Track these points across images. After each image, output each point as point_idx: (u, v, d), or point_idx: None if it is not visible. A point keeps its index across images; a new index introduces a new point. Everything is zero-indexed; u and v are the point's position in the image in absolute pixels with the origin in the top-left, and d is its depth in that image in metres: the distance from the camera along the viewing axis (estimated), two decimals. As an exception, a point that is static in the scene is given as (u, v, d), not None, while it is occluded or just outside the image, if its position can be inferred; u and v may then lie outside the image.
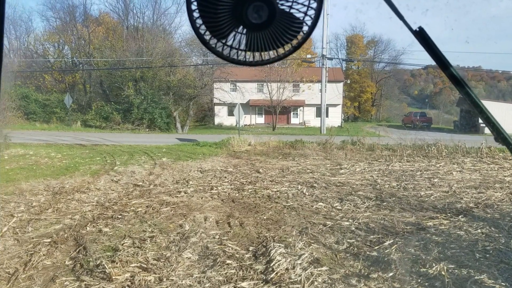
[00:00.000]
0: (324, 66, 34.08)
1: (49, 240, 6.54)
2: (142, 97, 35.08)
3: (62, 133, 28.24)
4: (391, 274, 5.26)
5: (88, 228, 7.21)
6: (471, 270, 5.35)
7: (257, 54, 1.02)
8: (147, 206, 8.65)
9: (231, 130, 31.47)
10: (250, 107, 47.15)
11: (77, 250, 6.15)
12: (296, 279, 5.05)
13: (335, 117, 47.28)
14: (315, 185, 11.13)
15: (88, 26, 47.56)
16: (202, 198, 9.55)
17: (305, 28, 0.99)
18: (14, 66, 41.63)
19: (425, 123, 46.89)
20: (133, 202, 9.03)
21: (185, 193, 10.01)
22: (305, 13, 0.97)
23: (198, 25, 0.97)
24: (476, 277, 5.11)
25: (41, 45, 48.65)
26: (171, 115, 36.53)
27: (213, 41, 1.00)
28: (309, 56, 48.14)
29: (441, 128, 47.48)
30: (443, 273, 5.20)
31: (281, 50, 1.03)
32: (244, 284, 4.96)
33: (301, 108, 48.58)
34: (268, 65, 39.48)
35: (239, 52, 1.02)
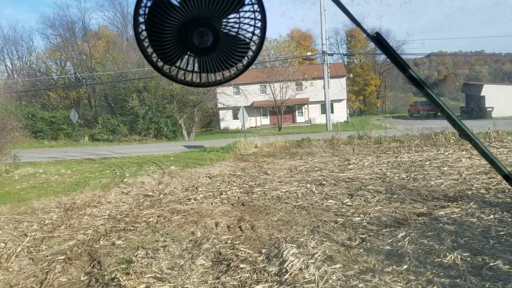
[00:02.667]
0: (326, 62, 34.01)
1: (63, 257, 6.60)
2: (147, 107, 35.28)
3: (70, 149, 28.46)
4: (405, 266, 5.24)
5: (101, 242, 7.26)
6: (486, 257, 5.31)
7: (203, 75, 1.07)
8: (158, 216, 8.69)
9: (237, 133, 31.52)
10: (254, 109, 47.15)
11: (92, 264, 6.20)
12: (310, 279, 5.04)
13: (340, 112, 47.13)
14: (324, 182, 11.11)
15: (88, 41, 48.02)
16: (212, 204, 9.58)
17: (250, 53, 1.04)
18: (18, 86, 42.05)
19: (431, 111, 46.51)
20: (144, 212, 9.09)
21: (195, 200, 10.05)
22: (253, 33, 1.02)
23: (149, 53, 1.01)
24: (491, 264, 5.08)
25: (43, 63, 49.20)
26: (176, 123, 36.68)
27: (166, 67, 1.05)
28: (309, 53, 48.09)
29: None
30: (457, 261, 5.17)
31: (226, 73, 1.07)
32: (258, 287, 4.97)
33: (306, 106, 48.49)
34: (270, 65, 39.58)
35: (187, 74, 1.07)
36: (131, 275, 5.54)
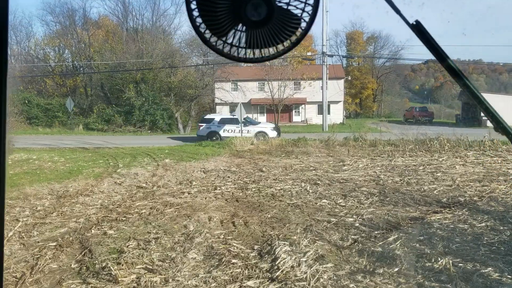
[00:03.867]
0: (325, 63, 34.05)
1: (54, 243, 6.56)
2: (143, 99, 35.14)
3: (64, 137, 28.33)
4: (396, 269, 5.26)
5: (93, 231, 7.23)
6: (477, 264, 5.35)
7: (256, 51, 1.03)
8: (151, 208, 8.66)
9: (233, 129, 31.45)
10: (251, 106, 47.10)
11: (83, 253, 6.17)
12: (301, 277, 5.05)
13: (337, 114, 47.21)
14: (318, 182, 11.13)
15: (88, 30, 47.69)
16: (205, 198, 9.57)
17: (303, 25, 1.00)
18: (15, 72, 41.75)
19: (426, 117, 46.79)
20: (137, 204, 9.05)
21: (188, 193, 10.03)
22: (303, 10, 0.98)
23: (198, 24, 0.98)
24: (482, 271, 5.11)
25: (41, 49, 48.78)
26: (172, 116, 36.57)
27: (213, 39, 1.01)
28: (309, 53, 48.10)
29: (443, 122, 47.38)
30: (448, 267, 5.19)
31: (280, 47, 1.03)
32: (250, 283, 4.97)
33: (303, 105, 48.53)
34: (269, 63, 39.57)
35: (239, 49, 1.03)
36: (122, 265, 5.52)
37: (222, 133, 23.59)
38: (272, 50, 1.04)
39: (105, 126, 35.28)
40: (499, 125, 1.11)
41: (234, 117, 24.59)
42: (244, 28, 1.00)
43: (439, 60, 1.04)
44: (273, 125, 25.74)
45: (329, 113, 38.66)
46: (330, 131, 23.45)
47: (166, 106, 35.95)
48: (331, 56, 39.52)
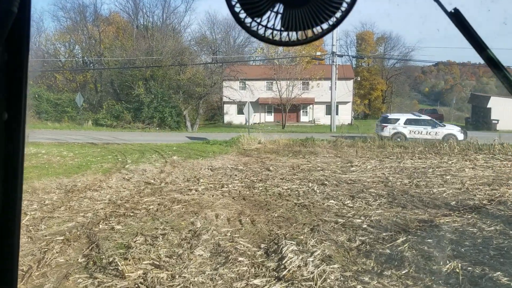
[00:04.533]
0: (334, 64, 33.93)
1: (62, 237, 6.59)
2: (152, 96, 35.21)
3: (73, 132, 28.49)
4: (404, 271, 5.22)
5: (100, 225, 7.25)
6: (486, 268, 5.29)
7: (293, 34, 0.97)
8: (158, 204, 8.68)
9: (241, 128, 31.49)
10: (259, 105, 47.06)
11: (90, 247, 6.19)
12: (308, 276, 5.03)
13: (345, 115, 47.00)
14: (326, 182, 11.09)
15: (99, 26, 47.86)
16: (213, 196, 9.57)
17: (344, 5, 0.95)
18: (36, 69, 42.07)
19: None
20: (145, 200, 9.07)
21: (196, 191, 10.03)
22: None
23: (233, 3, 0.93)
24: (491, 275, 5.05)
25: (52, 45, 49.04)
26: (181, 113, 36.62)
27: (248, 20, 0.96)
28: (319, 53, 47.95)
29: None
30: (457, 270, 5.14)
31: (319, 29, 0.97)
32: (256, 281, 4.96)
33: (311, 106, 48.39)
34: (277, 62, 39.46)
35: (275, 32, 0.97)
36: (129, 261, 5.53)
37: (408, 134, 21.74)
38: (310, 33, 0.97)
39: (114, 122, 35.39)
40: None
41: (421, 117, 23.53)
42: (281, 8, 0.95)
43: (478, 50, 1.00)
44: (460, 128, 24.06)
45: (337, 113, 38.50)
46: (339, 132, 23.37)
47: (175, 103, 35.98)
48: (341, 56, 39.38)
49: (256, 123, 44.66)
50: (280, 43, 0.99)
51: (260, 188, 10.45)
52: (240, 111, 43.77)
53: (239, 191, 10.14)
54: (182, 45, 42.46)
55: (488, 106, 39.28)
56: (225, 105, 48.30)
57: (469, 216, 7.75)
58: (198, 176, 11.96)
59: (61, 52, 49.09)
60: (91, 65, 48.14)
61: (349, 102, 49.07)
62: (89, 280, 5.09)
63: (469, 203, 8.90)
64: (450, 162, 14.72)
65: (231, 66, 40.87)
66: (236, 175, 12.22)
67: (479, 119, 41.99)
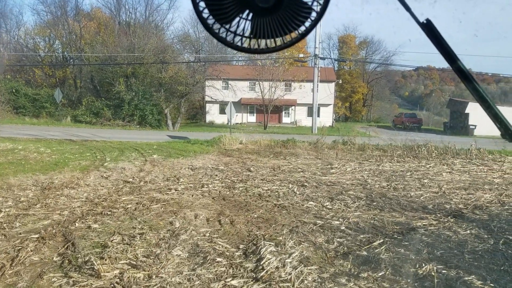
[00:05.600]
0: (317, 66, 34.14)
1: (37, 235, 6.45)
2: (133, 93, 34.85)
3: (51, 128, 27.99)
4: (381, 273, 5.27)
5: (77, 224, 7.13)
6: (460, 271, 5.38)
7: (262, 41, 0.97)
8: (137, 203, 8.59)
9: (223, 128, 31.43)
10: (241, 105, 47.09)
11: (66, 246, 6.08)
12: (286, 278, 5.03)
13: (326, 117, 47.37)
14: (306, 184, 11.14)
15: (80, 21, 47.25)
16: (192, 195, 9.51)
17: (313, 15, 0.94)
18: (4, 60, 41.17)
19: (415, 124, 47.19)
20: (123, 198, 8.97)
21: (175, 190, 9.96)
22: None
23: (201, 9, 0.92)
24: (465, 278, 5.14)
25: (31, 39, 48.20)
26: (162, 112, 36.34)
27: (216, 26, 0.95)
28: (301, 55, 48.19)
29: (431, 129, 47.82)
30: (432, 273, 5.22)
31: (287, 37, 0.97)
32: (234, 282, 4.94)
33: (293, 107, 48.65)
34: (260, 63, 39.52)
35: (244, 39, 0.97)
36: (105, 260, 5.45)
37: None
38: (279, 41, 0.97)
39: (93, 119, 34.89)
40: (508, 131, 1.09)
41: None
42: (250, 15, 0.94)
43: (449, 61, 1.01)
44: None
45: (318, 115, 38.75)
46: (319, 134, 23.51)
47: (156, 101, 35.69)
48: (323, 58, 39.69)
49: (238, 123, 44.64)
50: (248, 50, 0.99)
51: (240, 188, 10.44)
52: (222, 111, 43.69)
53: (219, 191, 10.10)
54: (165, 42, 42.16)
55: (466, 111, 40.08)
56: (207, 104, 48.17)
57: (445, 220, 7.87)
58: (178, 175, 11.88)
59: (41, 47, 48.28)
60: (71, 60, 47.43)
61: (330, 104, 49.47)
62: (63, 279, 4.99)
63: (445, 206, 9.05)
64: (428, 166, 14.96)
65: (214, 66, 40.77)
66: (216, 175, 12.18)
67: (457, 124, 42.84)
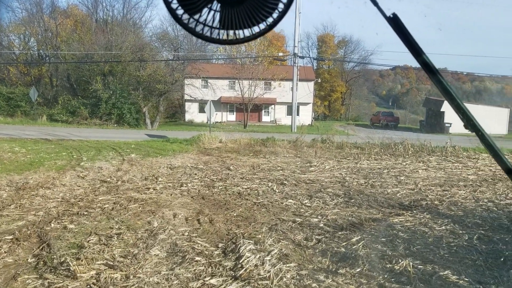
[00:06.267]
0: (296, 65, 34.28)
1: (11, 237, 6.31)
2: (111, 92, 34.36)
3: (27, 127, 27.39)
4: (358, 270, 5.33)
5: (52, 224, 7.00)
6: (436, 266, 5.48)
7: (231, 32, 0.98)
8: (114, 203, 8.48)
9: (202, 127, 31.30)
10: (221, 104, 46.92)
11: (41, 247, 5.97)
12: (265, 275, 5.05)
13: (305, 116, 47.60)
14: (285, 182, 11.18)
15: (56, 18, 46.25)
16: (171, 195, 9.44)
17: (281, 6, 0.95)
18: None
19: (392, 122, 47.85)
20: (100, 198, 8.84)
21: (154, 189, 9.87)
22: None
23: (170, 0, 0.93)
24: (440, 273, 5.24)
25: (5, 36, 46.94)
26: (140, 110, 35.94)
27: (185, 17, 0.96)
28: (281, 54, 48.32)
29: (407, 128, 48.58)
30: (409, 268, 5.30)
31: (256, 29, 0.99)
32: (212, 281, 4.93)
33: (273, 106, 48.71)
34: (239, 62, 39.48)
35: (213, 29, 0.98)
36: (82, 261, 5.37)
37: None
38: (247, 32, 0.99)
39: (70, 118, 34.23)
40: (469, 122, 1.13)
41: None
42: (218, 6, 0.95)
43: (415, 55, 1.04)
44: None
45: (298, 114, 38.91)
46: (299, 132, 23.62)
47: (134, 100, 35.26)
48: (302, 57, 39.88)
49: (218, 122, 44.50)
50: (217, 41, 1.01)
51: (219, 187, 10.41)
52: (201, 110, 43.49)
53: (199, 190, 10.06)
54: (143, 40, 41.64)
55: (442, 109, 40.82)
56: (186, 103, 47.85)
57: (421, 216, 8.01)
58: (156, 174, 11.78)
59: (15, 44, 47.09)
60: (47, 58, 46.45)
61: (309, 103, 49.71)
62: (38, 281, 4.90)
63: (421, 203, 9.21)
64: (404, 163, 15.19)
65: (193, 64, 40.52)
66: (196, 174, 12.12)
67: (433, 122, 43.58)
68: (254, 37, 1.00)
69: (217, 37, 0.99)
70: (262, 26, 0.99)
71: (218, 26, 0.98)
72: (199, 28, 0.98)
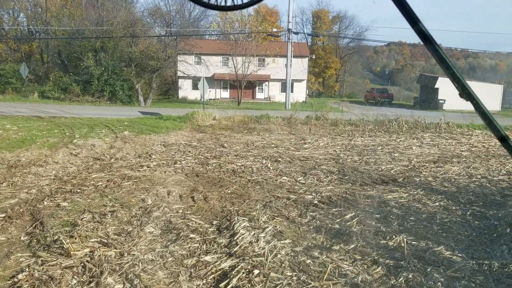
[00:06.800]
0: (290, 41, 33.91)
1: (3, 215, 6.26)
2: (103, 69, 33.90)
3: (18, 104, 27.06)
4: (352, 246, 5.34)
5: (45, 202, 6.94)
6: (430, 242, 5.51)
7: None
8: (107, 180, 8.42)
9: (196, 104, 31.07)
10: (215, 81, 46.59)
11: (34, 225, 5.92)
12: (259, 252, 5.05)
13: (300, 92, 47.46)
14: (279, 159, 11.16)
15: (45, -7, 45.19)
16: (165, 172, 9.39)
17: None
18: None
19: (386, 99, 47.84)
20: (93, 176, 8.77)
21: (147, 167, 9.81)
22: None
23: None
24: (434, 249, 5.27)
25: (-6, 11, 45.93)
26: (133, 87, 35.59)
27: None
28: (275, 29, 47.76)
29: (401, 104, 48.56)
30: (402, 244, 5.33)
31: None
32: (207, 257, 4.92)
33: (266, 83, 48.44)
34: (233, 37, 38.96)
35: None
36: (75, 239, 5.33)
37: None
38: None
39: (61, 95, 33.81)
40: (465, 90, 1.14)
41: None
42: None
43: (411, 23, 1.04)
44: None
45: (292, 91, 38.73)
46: (293, 109, 23.54)
47: (127, 77, 34.86)
48: (297, 33, 39.39)
49: (211, 99, 44.27)
50: (215, 7, 1.01)
51: (214, 164, 10.37)
52: (195, 86, 43.21)
53: (192, 167, 10.01)
54: (135, 16, 40.95)
55: (436, 86, 40.81)
56: (179, 80, 47.47)
57: (415, 192, 8.04)
58: (150, 152, 11.70)
59: (4, 20, 46.11)
60: (37, 34, 45.59)
61: (304, 80, 49.51)
62: (32, 259, 4.86)
63: (415, 179, 9.24)
64: (398, 140, 15.21)
65: (186, 40, 39.99)
66: (189, 151, 12.06)
67: (427, 98, 43.61)
68: (252, 3, 1.01)
69: (215, 3, 1.00)
70: None
71: None
72: None
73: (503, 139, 1.17)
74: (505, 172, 10.10)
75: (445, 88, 37.92)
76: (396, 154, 12.24)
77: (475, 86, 37.65)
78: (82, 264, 4.74)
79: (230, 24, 41.10)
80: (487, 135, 16.55)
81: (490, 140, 15.21)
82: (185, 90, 47.71)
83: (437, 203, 7.35)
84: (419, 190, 8.23)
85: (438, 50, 1.07)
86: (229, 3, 1.00)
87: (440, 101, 39.08)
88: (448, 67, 1.11)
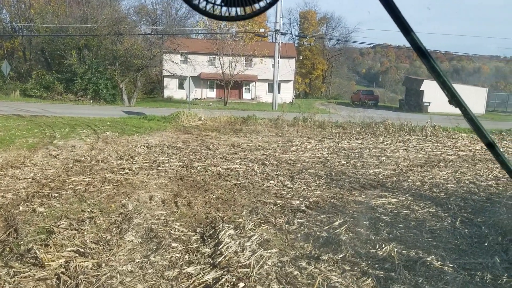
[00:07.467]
0: (278, 41, 33.73)
1: (-26, 221, 5.94)
2: (86, 67, 33.30)
3: (-2, 102, 26.39)
4: (341, 255, 5.16)
5: (21, 207, 6.62)
6: (420, 251, 5.35)
7: (233, 9, 1.05)
8: (87, 184, 8.10)
9: (181, 103, 30.68)
10: (201, 80, 46.20)
11: (7, 232, 5.61)
12: (245, 263, 4.82)
13: (287, 93, 47.35)
14: (266, 162, 10.94)
15: (28, -11, 44.31)
16: (147, 175, 9.10)
17: None
18: None
19: (372, 101, 47.99)
20: (72, 179, 8.45)
21: (129, 170, 9.50)
22: None
23: None
24: (424, 259, 5.10)
25: (-25, 7, 44.86)
26: (117, 86, 35.03)
27: None
28: (262, 30, 47.58)
29: (387, 106, 48.79)
30: (392, 254, 5.16)
31: (256, 6, 1.05)
32: (189, 269, 4.68)
33: (253, 83, 48.23)
34: (220, 37, 38.68)
35: (215, 6, 1.04)
36: (50, 247, 5.04)
37: None
38: (248, 9, 1.05)
39: (44, 93, 33.12)
40: (454, 98, 1.16)
41: None
42: None
43: (404, 33, 1.06)
44: None
45: (279, 92, 38.57)
46: (280, 110, 23.36)
47: (111, 75, 34.30)
48: (284, 34, 39.25)
49: (197, 98, 43.90)
50: (220, 17, 1.06)
51: (198, 167, 10.11)
52: (181, 86, 42.77)
53: (176, 170, 9.74)
54: (120, 13, 40.33)
55: (421, 89, 41.05)
56: (165, 79, 46.97)
57: (403, 198, 7.90)
58: (132, 154, 11.38)
59: (-14, 16, 45.11)
60: (20, 31, 44.70)
61: (291, 80, 49.43)
62: (3, 270, 4.56)
63: (403, 184, 9.11)
64: (385, 143, 15.12)
65: (172, 39, 39.56)
66: (174, 153, 11.77)
67: (412, 101, 43.86)
68: (255, 14, 1.06)
69: (220, 14, 1.06)
70: (262, 3, 1.05)
71: (220, 3, 1.05)
72: (202, 4, 1.04)
73: (490, 145, 1.20)
74: (492, 177, 10.03)
75: (430, 90, 38.13)
76: (383, 158, 12.12)
77: (459, 89, 37.99)
78: (57, 276, 4.47)
79: (217, 23, 40.78)
80: (473, 138, 16.57)
81: (476, 143, 15.21)
82: (171, 89, 47.21)
83: (426, 210, 7.21)
84: (407, 195, 8.09)
85: (430, 60, 1.11)
86: (233, 13, 1.06)
87: (425, 104, 39.33)
88: (439, 76, 1.14)
